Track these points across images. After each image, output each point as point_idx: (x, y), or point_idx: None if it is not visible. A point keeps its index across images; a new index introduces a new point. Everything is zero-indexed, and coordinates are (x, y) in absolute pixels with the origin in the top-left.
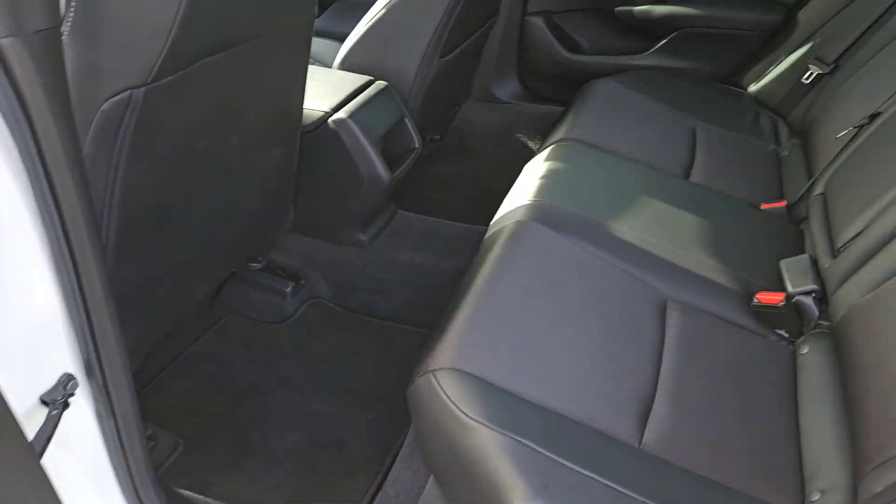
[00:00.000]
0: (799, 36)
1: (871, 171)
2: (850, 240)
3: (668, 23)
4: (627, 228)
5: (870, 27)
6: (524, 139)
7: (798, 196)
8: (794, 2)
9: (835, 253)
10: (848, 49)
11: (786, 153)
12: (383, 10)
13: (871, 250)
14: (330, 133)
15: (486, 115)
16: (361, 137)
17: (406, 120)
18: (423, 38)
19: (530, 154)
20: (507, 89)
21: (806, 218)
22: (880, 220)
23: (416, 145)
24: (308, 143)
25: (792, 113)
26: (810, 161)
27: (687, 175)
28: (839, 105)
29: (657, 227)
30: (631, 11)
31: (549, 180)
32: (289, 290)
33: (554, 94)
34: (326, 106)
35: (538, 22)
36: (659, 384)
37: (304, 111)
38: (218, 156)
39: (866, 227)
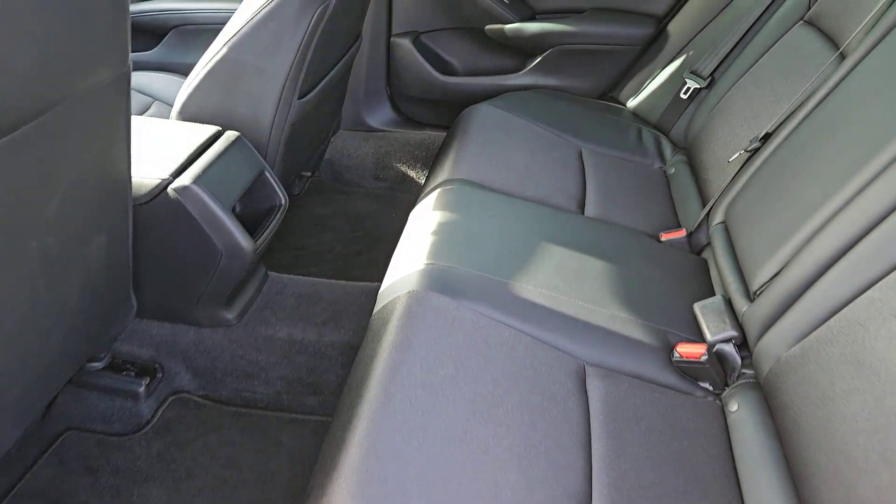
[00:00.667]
0: (671, 49)
1: (775, 204)
2: (767, 282)
3: (541, 40)
4: (532, 287)
5: (741, 39)
6: (404, 168)
7: (696, 224)
8: (664, 13)
9: (751, 296)
10: (722, 62)
11: (672, 171)
12: (224, 49)
13: (791, 295)
14: (171, 204)
15: (361, 145)
16: (212, 205)
17: (266, 173)
18: (276, 79)
19: (412, 184)
20: (379, 116)
21: (707, 245)
22: (796, 262)
23: (282, 201)
24: (145, 216)
25: (673, 128)
26: (700, 181)
27: (582, 207)
28: (721, 121)
29: (563, 281)
30: (502, 30)
31: (440, 236)
32: (142, 388)
33: (431, 118)
34: (164, 171)
35: (405, 43)
36: (593, 479)
37: (135, 180)
38: (14, 265)
39: (782, 270)
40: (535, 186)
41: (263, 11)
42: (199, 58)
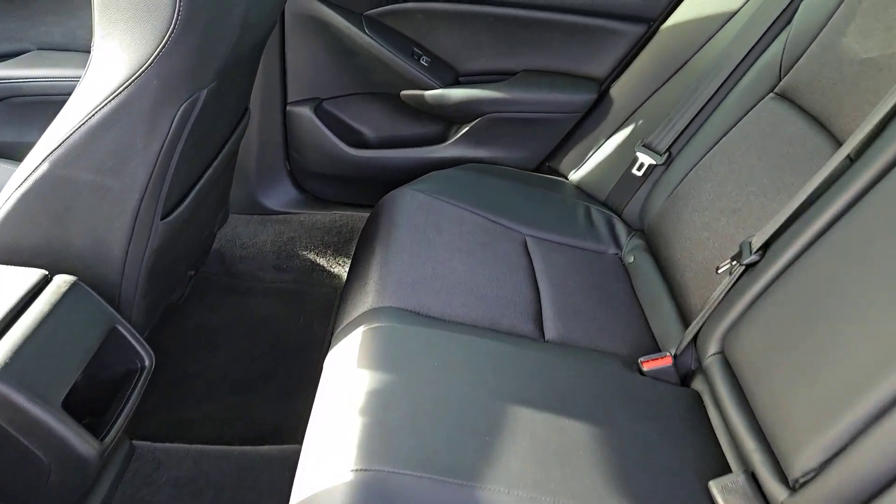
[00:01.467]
0: (616, 116)
1: (805, 353)
2: (814, 471)
3: (468, 108)
4: (505, 488)
5: (700, 111)
6: (312, 257)
7: (681, 348)
8: (605, 76)
9: (791, 483)
10: (679, 136)
11: (631, 259)
12: (45, 165)
13: (854, 496)
14: None
15: (257, 231)
16: (30, 407)
17: (119, 328)
18: (127, 198)
19: (322, 275)
20: (279, 197)
21: (697, 370)
22: (859, 451)
23: (145, 363)
24: None
25: (626, 209)
26: (672, 283)
27: (539, 324)
28: (690, 209)
29: (543, 470)
30: (422, 96)
31: (369, 417)
32: None
33: (341, 196)
34: None
35: (304, 112)
36: None
37: None
38: None
39: (836, 456)
40: (482, 304)
41: (99, 114)
42: (35, 137)
